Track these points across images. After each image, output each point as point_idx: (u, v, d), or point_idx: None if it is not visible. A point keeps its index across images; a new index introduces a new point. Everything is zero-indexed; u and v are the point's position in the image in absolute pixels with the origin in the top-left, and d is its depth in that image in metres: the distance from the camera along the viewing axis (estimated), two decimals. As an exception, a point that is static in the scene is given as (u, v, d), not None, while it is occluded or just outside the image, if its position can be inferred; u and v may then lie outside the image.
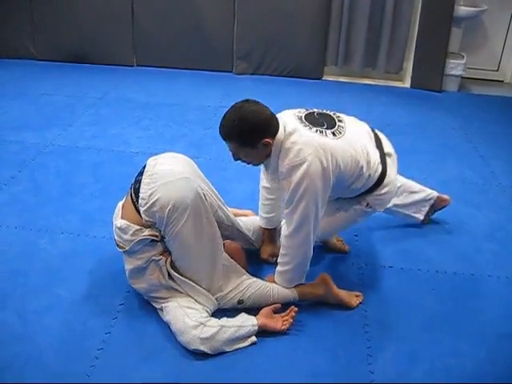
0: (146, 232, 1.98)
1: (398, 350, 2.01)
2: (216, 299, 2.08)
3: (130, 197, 2.05)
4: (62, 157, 3.33)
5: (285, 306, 2.10)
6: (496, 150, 3.73)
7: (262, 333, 2.01)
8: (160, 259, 2.02)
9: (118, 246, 2.08)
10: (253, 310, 2.07)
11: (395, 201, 2.63)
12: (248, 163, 2.13)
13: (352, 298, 2.21)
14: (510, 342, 2.08)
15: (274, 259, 2.29)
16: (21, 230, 2.60)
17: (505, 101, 4.74)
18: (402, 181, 2.66)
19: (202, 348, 1.90)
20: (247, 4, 4.71)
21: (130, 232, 1.98)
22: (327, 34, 4.75)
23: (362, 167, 2.10)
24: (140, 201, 1.97)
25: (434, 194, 2.72)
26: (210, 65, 5.01)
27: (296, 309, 2.06)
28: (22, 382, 1.82)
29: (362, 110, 4.30)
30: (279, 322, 2.04)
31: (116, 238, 2.08)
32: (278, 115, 2.08)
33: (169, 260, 2.03)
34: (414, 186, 2.71)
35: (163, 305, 2.04)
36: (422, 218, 2.73)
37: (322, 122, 2.11)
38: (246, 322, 1.99)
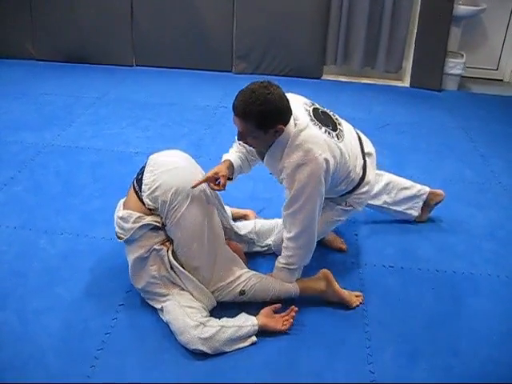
0: (148, 218, 2.00)
1: (399, 350, 2.01)
2: (218, 289, 2.08)
3: (132, 188, 2.08)
4: (62, 157, 3.33)
5: (285, 306, 2.10)
6: (496, 149, 3.73)
7: (263, 333, 2.02)
8: (161, 249, 2.02)
9: (118, 238, 2.09)
10: (253, 309, 2.07)
11: (386, 198, 2.63)
12: (250, 145, 2.10)
13: (352, 297, 2.21)
14: (511, 341, 2.07)
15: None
16: (20, 230, 2.60)
17: (504, 100, 4.74)
18: (391, 178, 2.66)
19: (202, 348, 1.90)
20: (246, 4, 4.70)
21: (132, 220, 2.00)
22: (326, 34, 4.75)
23: (350, 171, 2.17)
24: (143, 187, 2.01)
25: (426, 189, 2.71)
26: (210, 65, 5.00)
27: (296, 309, 2.06)
28: (23, 382, 1.81)
29: (362, 109, 4.31)
30: (279, 322, 2.04)
31: (117, 229, 2.09)
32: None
33: (170, 249, 2.05)
34: (404, 182, 2.70)
35: (163, 304, 2.03)
36: (416, 214, 2.72)
37: (327, 122, 2.12)
38: (246, 322, 1.99)
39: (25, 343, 1.96)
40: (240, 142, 2.20)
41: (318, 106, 2.20)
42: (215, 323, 1.95)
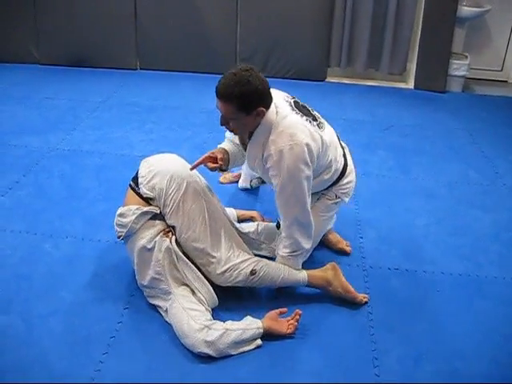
0: (146, 208, 2.06)
1: (404, 353, 1.99)
2: (229, 269, 2.09)
3: (129, 188, 2.16)
4: (66, 161, 3.33)
5: (290, 311, 2.09)
6: (501, 150, 3.72)
7: (268, 336, 2.01)
8: (165, 240, 2.04)
9: (119, 237, 2.13)
10: (258, 314, 2.06)
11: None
12: (232, 131, 2.14)
13: (357, 293, 2.22)
14: (517, 344, 2.07)
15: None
16: (25, 234, 2.60)
17: (509, 101, 4.73)
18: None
19: (207, 351, 1.90)
20: (250, 6, 4.71)
21: (130, 213, 2.06)
22: (330, 36, 4.75)
23: (331, 160, 2.25)
24: (140, 180, 2.11)
25: None
26: (214, 67, 4.98)
27: (301, 312, 2.05)
28: (25, 382, 1.81)
29: (366, 111, 4.31)
30: (284, 326, 2.03)
31: (117, 229, 2.13)
32: None
33: (173, 239, 2.07)
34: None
35: (167, 305, 2.03)
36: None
37: (307, 113, 2.19)
38: (251, 325, 1.99)
39: (29, 347, 1.96)
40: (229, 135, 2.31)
41: (297, 99, 2.25)
42: (220, 326, 1.95)
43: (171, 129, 3.87)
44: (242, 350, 1.95)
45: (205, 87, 4.71)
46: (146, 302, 2.15)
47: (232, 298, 2.19)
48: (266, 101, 2.03)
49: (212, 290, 2.07)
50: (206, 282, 2.07)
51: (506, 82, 5.21)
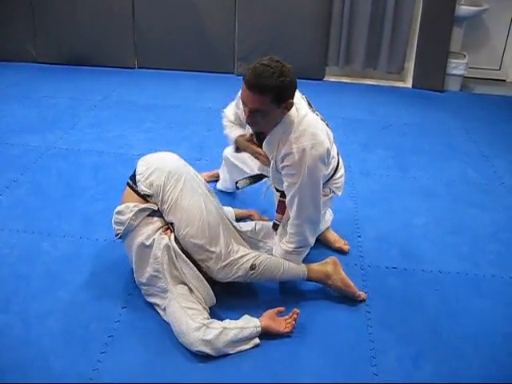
0: (144, 205, 2.07)
1: (402, 352, 1.99)
2: (229, 264, 2.09)
3: (127, 186, 2.17)
4: (64, 159, 3.33)
5: (288, 310, 2.08)
6: (499, 149, 3.72)
7: (266, 335, 2.00)
8: (163, 237, 2.04)
9: (117, 235, 2.13)
10: (256, 313, 2.06)
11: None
12: (255, 126, 2.09)
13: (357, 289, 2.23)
14: (515, 343, 2.07)
15: None
16: (23, 233, 2.59)
17: (507, 100, 4.73)
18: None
19: (205, 350, 1.89)
20: (248, 5, 4.71)
21: (128, 210, 2.07)
22: (328, 35, 4.75)
23: (332, 156, 2.24)
24: (137, 177, 2.11)
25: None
26: (212, 67, 5.01)
27: (298, 311, 2.05)
28: (24, 382, 1.80)
29: (364, 110, 4.31)
30: (282, 325, 2.03)
31: (115, 227, 2.12)
32: None
33: (172, 236, 2.07)
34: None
35: (165, 303, 2.03)
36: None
37: (313, 109, 2.19)
38: (249, 324, 1.98)
39: (28, 346, 1.96)
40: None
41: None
42: (217, 325, 1.94)
43: (169, 128, 3.87)
44: (240, 348, 1.95)
45: (203, 86, 4.72)
46: (144, 300, 2.14)
47: (230, 297, 2.19)
48: (295, 91, 2.01)
49: (210, 289, 2.07)
50: (205, 280, 2.06)
51: (504, 80, 5.22)
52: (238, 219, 2.64)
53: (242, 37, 4.82)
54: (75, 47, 5.00)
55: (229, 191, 2.96)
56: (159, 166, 2.12)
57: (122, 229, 2.08)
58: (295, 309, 2.06)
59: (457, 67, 4.72)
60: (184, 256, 2.06)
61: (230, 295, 2.19)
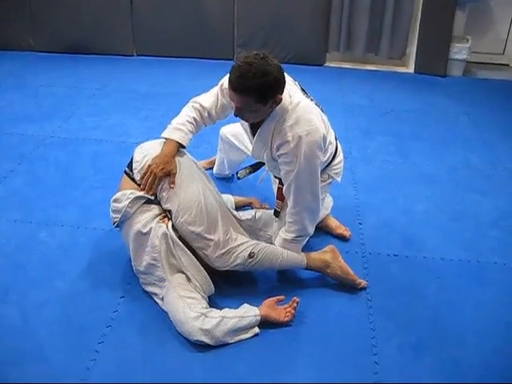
0: (140, 193, 2.05)
1: (404, 341, 1.97)
2: (227, 252, 2.07)
3: (124, 174, 2.15)
4: (62, 148, 3.30)
5: (287, 298, 2.06)
6: (501, 135, 3.68)
7: (265, 324, 1.98)
8: (161, 226, 2.02)
9: (114, 223, 2.11)
10: (256, 302, 2.04)
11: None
12: (246, 120, 2.09)
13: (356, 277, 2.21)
14: (518, 331, 2.04)
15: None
16: (20, 223, 2.57)
17: (510, 85, 4.67)
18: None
19: (204, 339, 1.87)
20: (247, -10, 4.64)
21: (124, 197, 2.05)
22: (329, 20, 4.68)
23: (329, 141, 2.21)
24: (134, 165, 2.10)
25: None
26: (211, 53, 4.95)
27: (298, 300, 2.03)
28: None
29: (364, 95, 4.27)
30: (282, 314, 2.01)
31: (112, 215, 2.10)
32: None
33: (170, 224, 2.04)
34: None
35: (163, 293, 2.01)
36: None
37: (308, 96, 2.16)
38: (248, 313, 1.96)
39: (25, 336, 1.94)
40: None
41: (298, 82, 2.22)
42: (216, 314, 1.92)
43: (168, 115, 3.73)
44: (239, 338, 1.93)
45: (202, 73, 4.67)
46: (143, 290, 2.12)
47: (229, 286, 2.17)
48: (283, 87, 1.96)
49: (208, 277, 2.04)
50: (202, 269, 2.04)
51: (507, 65, 5.14)
52: (238, 207, 2.62)
53: (242, 23, 4.76)
54: (73, 35, 4.95)
55: (226, 176, 2.94)
56: (156, 154, 2.10)
57: (119, 217, 2.05)
58: (295, 297, 2.04)
59: (459, 52, 4.65)
60: (182, 244, 2.03)
61: (230, 284, 2.17)
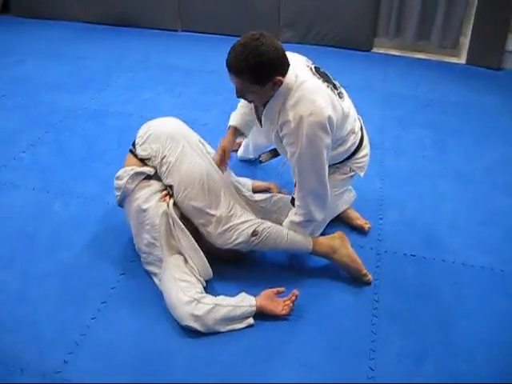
0: (140, 169, 2.03)
1: (405, 348, 1.85)
2: (230, 228, 2.02)
3: (128, 152, 2.14)
4: (91, 120, 3.30)
5: (289, 287, 1.97)
6: (553, 136, 3.41)
7: (262, 316, 1.92)
8: (161, 205, 1.99)
9: (117, 202, 2.12)
10: (255, 291, 1.96)
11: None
12: (250, 101, 2.04)
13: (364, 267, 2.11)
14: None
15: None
16: (38, 191, 2.60)
17: None
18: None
19: (194, 325, 1.83)
20: (295, -31, 4.49)
21: (125, 174, 2.04)
22: (379, 3, 4.45)
23: (349, 132, 2.12)
24: (137, 140, 2.09)
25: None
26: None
27: (297, 293, 1.95)
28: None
29: (409, 85, 4.06)
30: (279, 306, 1.93)
31: (115, 192, 2.10)
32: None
33: (171, 202, 2.01)
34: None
35: (161, 274, 1.97)
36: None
37: (328, 79, 2.05)
38: (243, 303, 1.90)
39: (22, 305, 1.96)
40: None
41: (318, 65, 2.10)
42: (209, 300, 1.87)
43: (203, 93, 3.77)
44: (232, 327, 1.87)
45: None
46: (144, 269, 2.09)
47: (229, 271, 2.11)
48: (282, 68, 1.89)
49: (205, 260, 1.99)
50: (201, 251, 1.99)
51: None
52: (257, 191, 2.54)
53: (288, 2, 4.61)
54: (120, 8, 4.95)
55: (250, 160, 2.87)
56: (159, 129, 2.10)
57: (120, 194, 2.02)
58: (295, 290, 1.96)
59: (517, 44, 4.34)
60: (181, 224, 1.98)
61: (230, 270, 2.12)
